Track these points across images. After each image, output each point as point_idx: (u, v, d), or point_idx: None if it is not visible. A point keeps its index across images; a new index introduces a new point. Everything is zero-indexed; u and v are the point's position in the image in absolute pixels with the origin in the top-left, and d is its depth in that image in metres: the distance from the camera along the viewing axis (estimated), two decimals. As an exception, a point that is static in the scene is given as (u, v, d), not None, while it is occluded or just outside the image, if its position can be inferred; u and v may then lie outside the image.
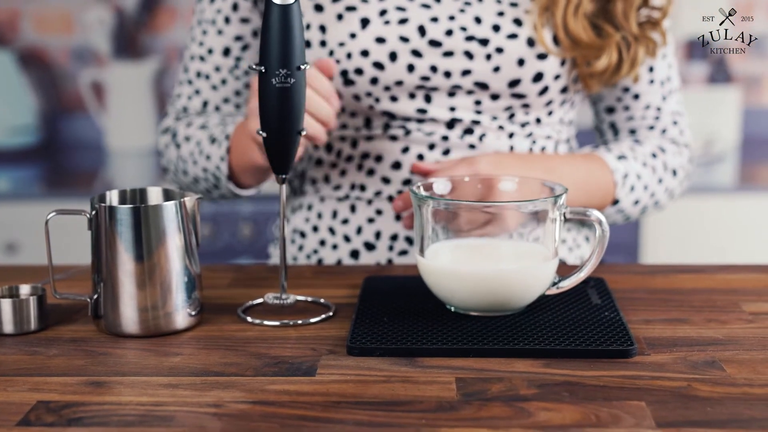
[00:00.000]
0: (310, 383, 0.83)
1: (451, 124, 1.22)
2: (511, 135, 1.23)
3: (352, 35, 1.19)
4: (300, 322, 0.98)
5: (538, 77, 1.20)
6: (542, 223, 0.96)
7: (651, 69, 1.28)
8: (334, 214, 1.26)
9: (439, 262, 0.97)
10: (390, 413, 0.77)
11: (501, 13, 1.20)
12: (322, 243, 1.27)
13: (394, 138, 1.23)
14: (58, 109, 2.86)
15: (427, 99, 1.21)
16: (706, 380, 0.83)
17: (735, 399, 0.79)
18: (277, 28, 0.93)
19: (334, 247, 1.26)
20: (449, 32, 1.19)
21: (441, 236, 0.98)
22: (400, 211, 1.15)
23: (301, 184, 1.31)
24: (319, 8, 1.22)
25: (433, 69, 1.20)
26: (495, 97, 1.21)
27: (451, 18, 1.20)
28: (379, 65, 1.19)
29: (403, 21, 1.20)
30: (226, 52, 1.28)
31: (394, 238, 1.24)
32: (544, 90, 1.22)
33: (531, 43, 1.19)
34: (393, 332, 0.93)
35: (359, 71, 1.20)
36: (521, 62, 1.19)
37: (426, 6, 1.21)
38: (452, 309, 0.99)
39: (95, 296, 0.96)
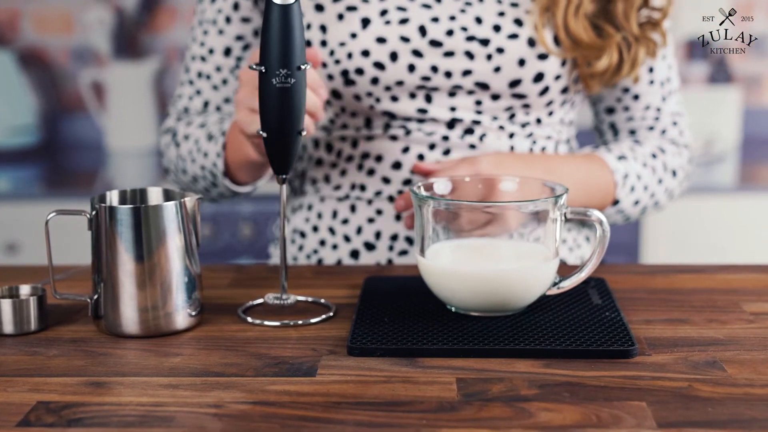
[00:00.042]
0: (311, 383, 0.83)
1: (451, 124, 1.22)
2: (511, 135, 1.23)
3: (353, 35, 1.19)
4: (300, 322, 0.98)
5: (538, 77, 1.20)
6: (543, 223, 0.95)
7: (651, 70, 1.28)
8: (334, 214, 1.26)
9: (439, 263, 0.97)
10: (390, 414, 0.77)
11: (502, 14, 1.20)
12: (322, 243, 1.27)
13: (394, 138, 1.22)
14: (58, 109, 2.86)
15: (428, 99, 1.21)
16: (707, 380, 0.83)
17: (736, 399, 0.79)
18: (277, 28, 0.93)
19: (334, 247, 1.26)
20: (450, 32, 1.19)
21: (441, 236, 0.98)
22: (401, 211, 1.14)
23: (302, 184, 1.31)
24: (319, 8, 1.22)
25: (434, 69, 1.19)
26: (495, 97, 1.21)
27: (452, 18, 1.20)
28: (379, 65, 1.19)
29: (403, 21, 1.20)
30: (227, 51, 1.28)
31: (394, 238, 1.23)
32: (545, 90, 1.21)
33: (532, 43, 1.19)
34: (393, 332, 0.93)
35: (360, 71, 1.19)
36: (522, 62, 1.19)
37: (427, 6, 1.20)
38: (453, 309, 0.99)
39: (95, 296, 0.96)
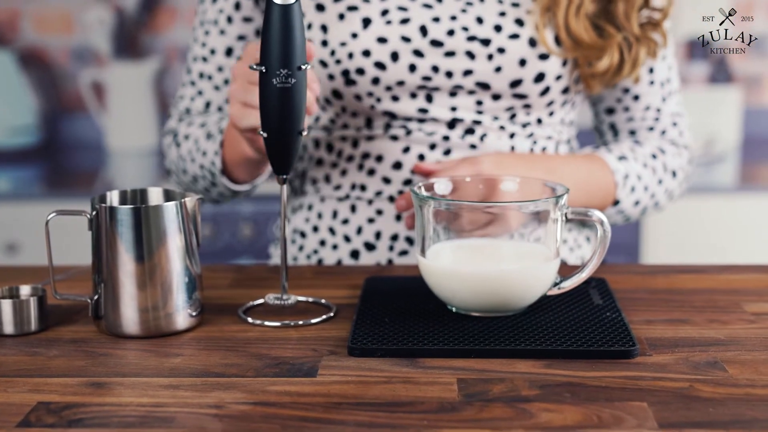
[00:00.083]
0: (311, 384, 0.83)
1: (452, 124, 1.22)
2: (512, 135, 1.23)
3: (354, 35, 1.19)
4: (301, 322, 0.98)
5: (539, 77, 1.20)
6: (544, 224, 0.95)
7: (651, 70, 1.28)
8: (335, 214, 1.26)
9: (440, 263, 0.97)
10: (391, 414, 0.77)
11: (503, 14, 1.20)
12: (323, 243, 1.27)
13: (395, 138, 1.22)
14: (58, 109, 2.85)
15: (429, 99, 1.21)
16: (708, 381, 0.83)
17: (737, 400, 0.79)
18: (277, 28, 0.93)
19: (335, 247, 1.26)
20: (451, 32, 1.19)
21: (442, 237, 0.98)
22: (402, 211, 1.14)
23: (302, 184, 1.31)
24: (320, 8, 1.21)
25: (435, 69, 1.19)
26: (496, 97, 1.21)
27: (453, 18, 1.20)
28: (380, 65, 1.19)
29: (404, 21, 1.19)
30: (229, 52, 1.28)
31: (394, 238, 1.23)
32: (546, 90, 1.21)
33: (533, 43, 1.19)
34: (394, 333, 0.92)
35: (361, 71, 1.19)
36: (523, 62, 1.19)
37: (428, 6, 1.20)
38: (453, 309, 0.99)
39: (96, 297, 0.95)
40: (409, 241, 1.23)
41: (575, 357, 0.88)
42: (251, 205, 2.33)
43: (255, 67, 0.94)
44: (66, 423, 0.76)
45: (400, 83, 1.20)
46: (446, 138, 1.22)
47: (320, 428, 0.75)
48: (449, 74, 1.20)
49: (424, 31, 1.19)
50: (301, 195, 1.31)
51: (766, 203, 2.42)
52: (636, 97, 1.29)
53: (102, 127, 2.79)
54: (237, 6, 1.26)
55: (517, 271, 0.95)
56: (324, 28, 1.21)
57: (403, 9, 1.20)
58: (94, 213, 0.94)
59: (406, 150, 1.22)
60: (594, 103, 1.34)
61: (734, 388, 0.81)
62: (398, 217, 1.23)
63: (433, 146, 1.22)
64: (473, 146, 1.22)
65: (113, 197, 1.00)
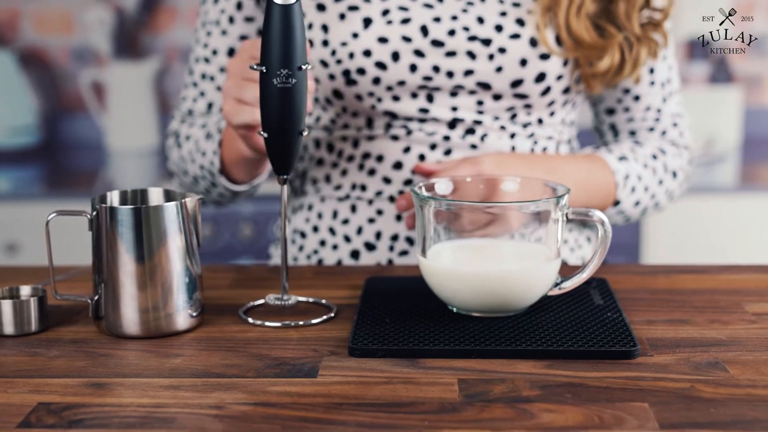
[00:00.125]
0: (312, 384, 0.83)
1: (452, 124, 1.22)
2: (512, 135, 1.23)
3: (355, 35, 1.19)
4: (301, 323, 0.98)
5: (540, 77, 1.20)
6: (544, 224, 0.95)
7: (651, 70, 1.28)
8: (335, 215, 1.26)
9: (441, 263, 0.97)
10: (392, 415, 0.77)
11: (504, 13, 1.20)
12: (323, 243, 1.27)
13: (395, 138, 1.22)
14: (58, 109, 2.85)
15: (429, 99, 1.21)
16: (709, 381, 0.83)
17: (738, 400, 0.79)
18: (278, 28, 0.93)
19: (335, 247, 1.26)
20: (452, 32, 1.19)
21: (443, 237, 0.97)
22: (402, 211, 1.14)
23: (302, 184, 1.31)
24: (321, 8, 1.21)
25: (436, 69, 1.19)
26: (497, 97, 1.21)
27: (454, 18, 1.20)
28: (381, 65, 1.19)
29: (405, 21, 1.19)
30: (231, 52, 1.27)
31: (394, 238, 1.23)
32: (547, 90, 1.21)
33: (534, 43, 1.19)
34: (395, 333, 0.92)
35: (361, 71, 1.19)
36: (524, 62, 1.19)
37: (428, 6, 1.20)
38: (454, 310, 0.98)
39: (96, 297, 0.95)
40: (410, 241, 1.23)
41: (576, 357, 0.88)
42: (251, 206, 2.33)
43: (255, 67, 0.94)
44: (66, 424, 0.76)
45: (401, 83, 1.20)
46: (447, 138, 1.22)
47: (321, 429, 0.75)
48: (450, 74, 1.19)
49: (425, 31, 1.19)
50: (302, 195, 1.31)
51: (767, 203, 2.41)
52: (636, 98, 1.29)
53: (102, 127, 2.79)
54: (239, 6, 1.26)
55: (518, 272, 0.95)
56: (325, 28, 1.21)
57: (403, 9, 1.20)
58: (94, 213, 0.94)
59: (407, 150, 1.22)
60: (594, 103, 1.34)
61: (735, 389, 0.81)
62: (398, 217, 1.23)
63: (433, 146, 1.22)
64: (474, 146, 1.22)
65: (113, 197, 0.99)
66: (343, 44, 1.19)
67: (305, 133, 0.98)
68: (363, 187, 1.24)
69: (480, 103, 1.21)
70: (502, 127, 1.23)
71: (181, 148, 1.28)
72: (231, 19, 1.27)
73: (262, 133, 0.97)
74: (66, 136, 2.85)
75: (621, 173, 1.23)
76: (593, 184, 1.22)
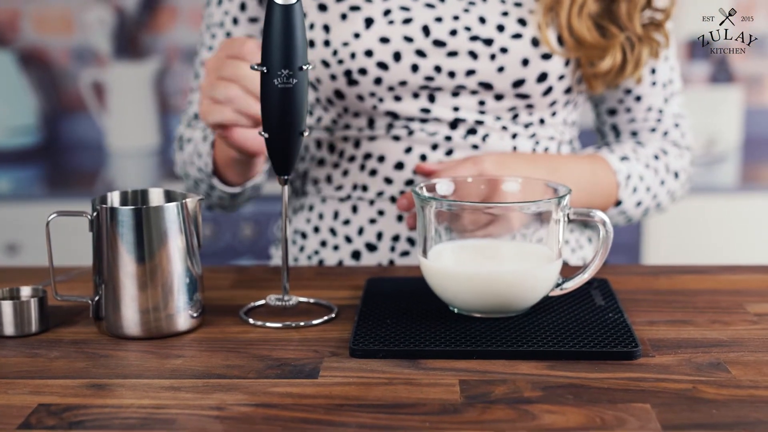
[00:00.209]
0: (313, 385, 0.82)
1: (454, 124, 1.22)
2: (514, 135, 1.23)
3: (356, 35, 1.19)
4: (302, 323, 0.98)
5: (542, 77, 1.20)
6: (546, 224, 0.95)
7: (653, 71, 1.28)
8: (336, 215, 1.26)
9: (442, 264, 0.97)
10: (393, 416, 0.76)
11: (505, 13, 1.20)
12: (323, 244, 1.27)
13: (397, 138, 1.22)
14: (58, 109, 2.85)
15: (431, 99, 1.21)
16: (711, 382, 0.82)
17: (740, 401, 0.79)
18: (279, 28, 0.93)
19: (336, 248, 1.26)
20: (453, 32, 1.19)
21: (444, 237, 0.97)
22: (403, 210, 1.14)
23: (303, 185, 1.30)
24: (323, 8, 1.21)
25: (437, 69, 1.19)
26: (499, 97, 1.21)
27: (456, 18, 1.19)
28: (383, 65, 1.19)
29: (407, 21, 1.19)
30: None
31: (395, 238, 1.23)
32: (548, 90, 1.21)
33: (535, 43, 1.19)
34: (396, 334, 0.92)
35: (363, 71, 1.19)
36: (525, 62, 1.19)
37: (430, 6, 1.20)
38: (455, 310, 0.98)
39: (96, 298, 0.95)
40: (411, 241, 1.23)
41: (578, 358, 0.88)
42: (252, 206, 2.32)
43: (256, 67, 0.94)
44: (67, 425, 0.76)
45: (403, 83, 1.20)
46: (448, 138, 1.22)
47: (322, 430, 0.75)
48: (452, 74, 1.19)
49: (426, 31, 1.19)
50: (302, 196, 1.31)
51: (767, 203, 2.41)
52: (638, 98, 1.29)
53: (102, 127, 2.79)
54: (242, 6, 1.26)
55: (519, 272, 0.95)
56: (326, 28, 1.20)
57: (405, 9, 1.20)
58: (94, 214, 0.94)
59: (408, 150, 1.22)
60: (596, 104, 1.34)
61: (737, 390, 0.81)
62: (400, 218, 1.23)
63: (435, 146, 1.22)
64: (475, 146, 1.22)
65: (114, 198, 0.99)
66: (345, 44, 1.19)
67: (306, 134, 0.98)
68: (364, 188, 1.24)
69: (482, 103, 1.21)
70: (504, 128, 1.23)
71: (183, 152, 1.28)
72: (235, 21, 1.27)
73: (263, 133, 0.96)
74: (66, 136, 2.85)
75: (623, 173, 1.23)
76: (595, 183, 1.22)
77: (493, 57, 1.19)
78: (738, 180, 2.51)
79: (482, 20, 1.19)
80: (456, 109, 1.21)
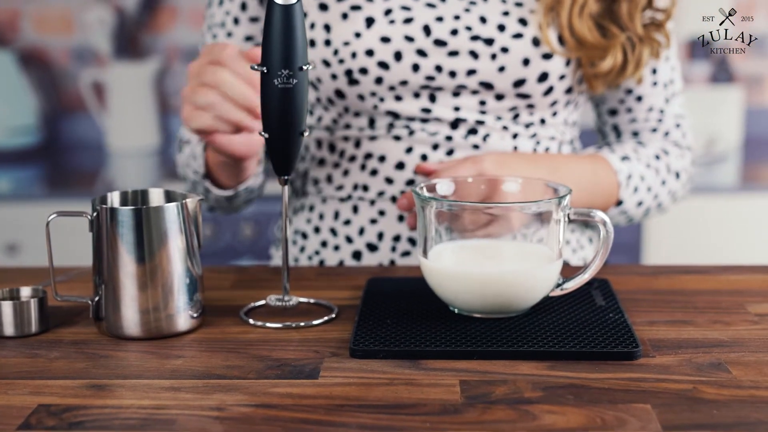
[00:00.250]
0: (313, 386, 0.82)
1: (455, 124, 1.21)
2: (515, 135, 1.23)
3: (357, 34, 1.19)
4: (302, 324, 0.98)
5: (543, 77, 1.20)
6: (546, 224, 0.95)
7: (654, 71, 1.28)
8: (336, 215, 1.26)
9: (442, 264, 0.97)
10: (393, 416, 0.76)
11: (506, 13, 1.20)
12: (324, 244, 1.27)
13: (397, 138, 1.22)
14: (58, 109, 2.85)
15: (432, 99, 1.21)
16: (711, 383, 0.82)
17: (741, 402, 0.79)
18: (279, 28, 0.92)
19: (336, 248, 1.26)
20: (454, 32, 1.19)
21: (444, 237, 0.97)
22: (404, 210, 1.14)
23: (303, 185, 1.30)
24: (323, 7, 1.21)
25: (438, 69, 1.19)
26: (500, 97, 1.21)
27: (456, 17, 1.19)
28: (383, 65, 1.19)
29: (408, 20, 1.19)
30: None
31: (396, 239, 1.23)
32: (549, 90, 1.21)
33: (536, 42, 1.19)
34: (396, 334, 0.92)
35: (364, 71, 1.19)
36: (526, 62, 1.19)
37: (431, 5, 1.20)
38: (456, 311, 0.98)
39: (96, 298, 0.95)
40: (412, 241, 1.23)
41: (578, 358, 0.88)
42: (252, 206, 2.32)
43: (256, 67, 0.94)
44: (67, 425, 0.76)
45: (404, 83, 1.20)
46: (449, 138, 1.21)
47: (322, 430, 0.74)
48: (452, 74, 1.19)
49: (427, 30, 1.19)
50: (303, 196, 1.31)
51: (768, 203, 2.41)
52: (639, 98, 1.29)
53: (102, 127, 2.79)
54: (243, 6, 1.26)
55: (520, 272, 0.95)
56: (327, 28, 1.20)
57: (406, 8, 1.20)
58: (94, 214, 0.94)
59: (409, 150, 1.22)
60: (596, 104, 1.33)
61: (738, 390, 0.81)
62: (401, 218, 1.23)
63: (435, 146, 1.22)
64: (476, 146, 1.22)
65: (114, 198, 0.99)
66: (346, 44, 1.19)
67: (306, 134, 0.98)
68: (365, 188, 1.24)
69: (482, 103, 1.21)
70: (505, 127, 1.22)
71: (182, 153, 1.28)
72: (236, 21, 1.26)
73: (263, 133, 0.96)
74: (66, 136, 2.85)
75: (623, 173, 1.23)
76: (596, 183, 1.21)
77: (493, 57, 1.18)
78: (738, 180, 2.51)
79: (483, 20, 1.19)
80: (457, 108, 1.21)
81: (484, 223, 0.96)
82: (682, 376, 0.84)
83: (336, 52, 1.19)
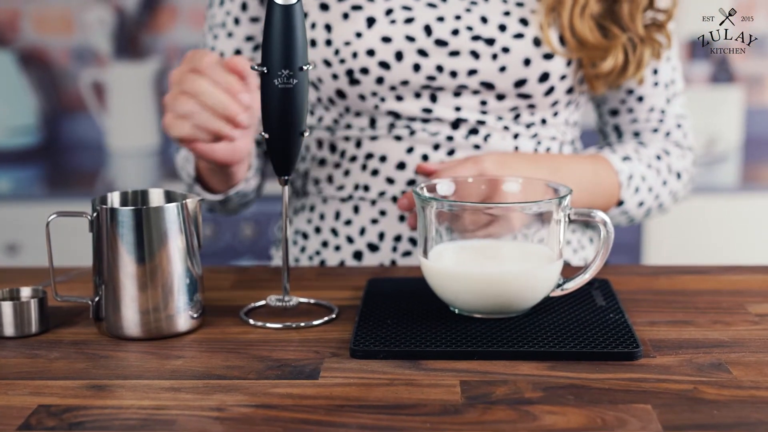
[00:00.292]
0: (313, 386, 0.82)
1: (456, 124, 1.21)
2: (516, 136, 1.23)
3: (358, 34, 1.19)
4: (303, 324, 0.97)
5: (544, 77, 1.20)
6: (547, 225, 0.95)
7: (655, 71, 1.27)
8: (337, 215, 1.26)
9: (442, 264, 0.97)
10: (394, 417, 0.76)
11: (507, 13, 1.20)
12: (325, 244, 1.27)
13: (398, 138, 1.22)
14: (58, 109, 2.85)
15: (433, 99, 1.21)
16: (712, 383, 0.82)
17: (742, 402, 0.79)
18: (279, 28, 0.92)
19: (337, 248, 1.26)
20: (455, 32, 1.19)
21: (444, 237, 0.97)
22: (405, 210, 1.14)
23: (304, 185, 1.30)
24: (324, 7, 1.21)
25: (439, 68, 1.19)
26: (501, 97, 1.21)
27: (457, 17, 1.19)
28: (384, 65, 1.19)
29: (409, 20, 1.19)
30: (237, 54, 1.27)
31: (397, 239, 1.23)
32: (550, 90, 1.21)
33: (537, 42, 1.19)
34: (396, 334, 0.92)
35: (365, 71, 1.19)
36: (527, 62, 1.19)
37: (432, 5, 1.20)
38: (456, 311, 0.98)
39: (96, 299, 0.95)
40: (413, 241, 1.23)
41: (578, 359, 0.88)
42: (252, 206, 2.32)
43: (257, 67, 0.94)
44: (67, 426, 0.75)
45: (405, 83, 1.19)
46: (450, 138, 1.21)
47: (322, 431, 0.74)
48: (453, 74, 1.19)
49: (428, 30, 1.19)
50: (303, 196, 1.31)
51: (768, 203, 2.41)
52: (640, 99, 1.29)
53: (102, 128, 2.79)
54: (243, 6, 1.26)
55: (520, 273, 0.95)
56: (328, 28, 1.20)
57: (407, 8, 1.20)
58: (94, 214, 0.94)
59: (410, 150, 1.22)
60: (598, 104, 1.33)
61: (738, 390, 0.81)
62: (402, 218, 1.23)
63: (436, 146, 1.21)
64: (477, 146, 1.22)
65: (114, 198, 0.99)
66: (347, 44, 1.19)
67: (306, 134, 0.97)
68: (366, 188, 1.24)
69: (483, 103, 1.21)
70: (506, 128, 1.22)
71: (179, 155, 1.28)
72: (236, 21, 1.26)
73: (263, 134, 0.96)
74: (66, 136, 2.85)
75: (625, 173, 1.23)
76: (597, 184, 1.21)
77: (494, 57, 1.18)
78: (738, 180, 2.50)
79: (484, 20, 1.19)
80: (458, 109, 1.21)
81: (485, 223, 0.96)
82: (682, 377, 0.84)
83: (337, 52, 1.19)
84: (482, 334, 0.92)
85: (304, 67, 0.94)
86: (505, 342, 0.90)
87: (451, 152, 1.22)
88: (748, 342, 0.92)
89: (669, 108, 1.30)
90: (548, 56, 1.19)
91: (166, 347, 0.92)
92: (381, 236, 1.23)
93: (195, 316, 0.96)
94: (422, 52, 1.19)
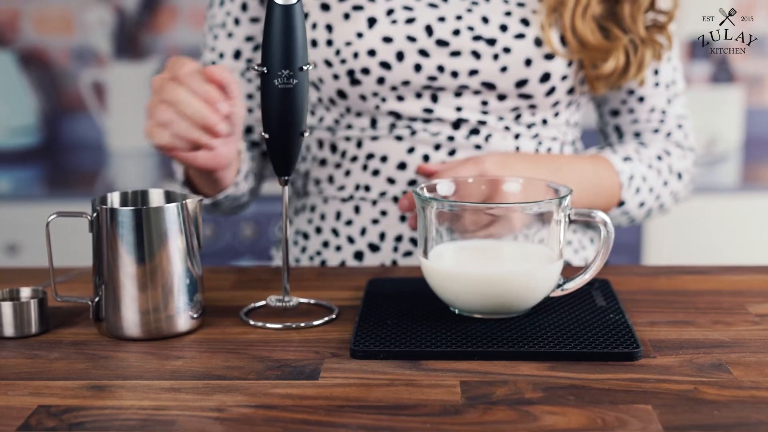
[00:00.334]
0: (314, 387, 0.82)
1: (457, 124, 1.21)
2: (517, 136, 1.23)
3: (359, 34, 1.19)
4: (303, 324, 0.97)
5: (545, 77, 1.20)
6: (547, 225, 0.95)
7: (656, 72, 1.27)
8: (338, 216, 1.26)
9: (442, 264, 0.97)
10: (394, 417, 0.76)
11: (508, 13, 1.20)
12: (326, 244, 1.27)
13: (399, 138, 1.22)
14: (58, 109, 2.85)
15: (434, 99, 1.21)
16: (712, 383, 0.82)
17: (742, 402, 0.79)
18: (279, 28, 0.92)
19: (338, 248, 1.26)
20: (456, 32, 1.19)
21: (445, 238, 0.97)
22: (405, 211, 1.14)
23: (305, 185, 1.30)
24: (325, 7, 1.21)
25: (440, 69, 1.19)
26: (502, 97, 1.21)
27: (459, 17, 1.19)
28: (385, 65, 1.19)
29: (410, 20, 1.19)
30: (237, 54, 1.27)
31: (398, 239, 1.23)
32: (551, 90, 1.21)
33: (538, 43, 1.19)
34: (397, 335, 0.92)
35: (366, 71, 1.19)
36: (528, 62, 1.18)
37: (433, 5, 1.20)
38: (456, 311, 0.98)
39: (96, 299, 0.95)
40: (414, 241, 1.23)
41: (579, 359, 0.87)
42: (252, 206, 2.32)
43: (257, 67, 0.94)
44: (67, 426, 0.75)
45: (406, 83, 1.19)
46: (451, 138, 1.21)
47: (322, 431, 0.74)
48: (454, 74, 1.19)
49: (429, 30, 1.19)
50: (304, 196, 1.31)
51: (769, 203, 2.41)
52: (641, 99, 1.29)
53: (102, 128, 2.79)
54: (244, 7, 1.26)
55: (520, 273, 0.95)
56: (329, 28, 1.20)
57: (408, 8, 1.20)
58: (94, 215, 0.94)
59: (411, 150, 1.22)
60: (598, 104, 1.33)
61: (739, 391, 0.81)
62: (403, 218, 1.23)
63: (437, 147, 1.21)
64: (478, 147, 1.22)
65: (114, 199, 0.99)
66: (348, 44, 1.19)
67: (306, 134, 0.97)
68: (367, 188, 1.24)
69: (484, 103, 1.21)
70: (507, 128, 1.22)
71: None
72: (236, 21, 1.26)
73: (263, 134, 0.96)
74: (66, 136, 2.85)
75: (625, 174, 1.23)
76: (598, 184, 1.21)
77: (496, 57, 1.18)
78: (739, 180, 2.50)
79: (485, 20, 1.19)
80: (459, 109, 1.21)
81: (485, 223, 0.96)
82: (682, 377, 0.84)
83: (338, 52, 1.19)
84: (482, 334, 0.92)
85: (304, 68, 0.94)
86: (506, 342, 0.90)
87: (452, 152, 1.21)
88: (748, 342, 0.92)
89: (670, 108, 1.30)
90: (549, 57, 1.19)
91: (166, 347, 0.92)
92: (382, 236, 1.23)
93: (195, 316, 0.96)
94: (423, 53, 1.19)
